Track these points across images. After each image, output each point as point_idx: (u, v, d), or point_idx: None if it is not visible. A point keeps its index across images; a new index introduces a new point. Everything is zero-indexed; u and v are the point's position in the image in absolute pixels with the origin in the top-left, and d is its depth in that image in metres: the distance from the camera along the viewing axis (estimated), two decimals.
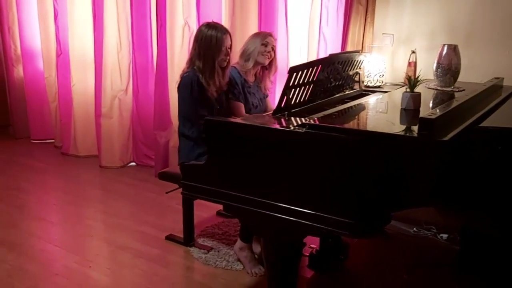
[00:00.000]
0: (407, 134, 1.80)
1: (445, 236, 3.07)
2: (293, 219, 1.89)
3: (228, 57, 2.69)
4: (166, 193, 2.98)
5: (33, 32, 4.99)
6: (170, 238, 3.05)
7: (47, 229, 3.27)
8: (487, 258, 2.53)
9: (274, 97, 3.44)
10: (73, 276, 2.64)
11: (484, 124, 1.80)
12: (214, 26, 2.67)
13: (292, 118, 2.11)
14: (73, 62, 4.59)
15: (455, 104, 1.93)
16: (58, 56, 4.67)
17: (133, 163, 4.56)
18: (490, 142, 1.77)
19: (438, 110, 1.81)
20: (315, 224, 1.84)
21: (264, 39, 2.81)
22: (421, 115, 1.76)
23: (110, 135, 4.44)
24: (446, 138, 1.62)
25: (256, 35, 2.89)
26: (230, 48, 2.71)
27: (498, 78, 2.68)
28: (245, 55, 2.82)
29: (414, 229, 3.18)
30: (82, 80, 4.60)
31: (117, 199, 3.73)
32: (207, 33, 2.63)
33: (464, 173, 1.74)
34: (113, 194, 3.85)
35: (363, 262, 2.83)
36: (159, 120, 4.17)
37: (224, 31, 2.67)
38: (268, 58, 2.84)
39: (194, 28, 3.91)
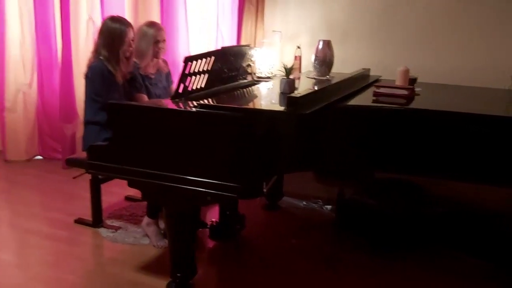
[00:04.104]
0: (277, 110, 2.17)
1: (329, 207, 3.54)
2: (189, 187, 2.16)
3: (131, 48, 2.91)
4: (73, 178, 3.14)
5: None
6: (78, 221, 3.21)
7: None
8: (359, 217, 3.03)
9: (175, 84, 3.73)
10: None
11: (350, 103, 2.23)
12: (118, 20, 2.90)
13: (188, 102, 2.40)
14: None
15: (319, 87, 2.34)
16: None
17: (40, 157, 4.59)
18: (350, 117, 2.20)
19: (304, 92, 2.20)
20: (208, 190, 2.13)
21: (156, 38, 3.00)
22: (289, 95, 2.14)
23: (15, 129, 4.44)
24: (306, 112, 2.01)
25: (144, 33, 2.99)
26: (133, 40, 2.94)
27: (365, 69, 3.18)
28: (138, 54, 3.01)
29: (304, 202, 3.63)
30: None
31: (24, 189, 3.79)
32: (111, 26, 2.86)
33: (330, 144, 2.15)
34: (19, 185, 3.90)
35: (257, 231, 3.19)
36: (65, 113, 4.26)
37: (127, 24, 2.90)
38: (163, 52, 3.10)
39: (99, 22, 4.03)
